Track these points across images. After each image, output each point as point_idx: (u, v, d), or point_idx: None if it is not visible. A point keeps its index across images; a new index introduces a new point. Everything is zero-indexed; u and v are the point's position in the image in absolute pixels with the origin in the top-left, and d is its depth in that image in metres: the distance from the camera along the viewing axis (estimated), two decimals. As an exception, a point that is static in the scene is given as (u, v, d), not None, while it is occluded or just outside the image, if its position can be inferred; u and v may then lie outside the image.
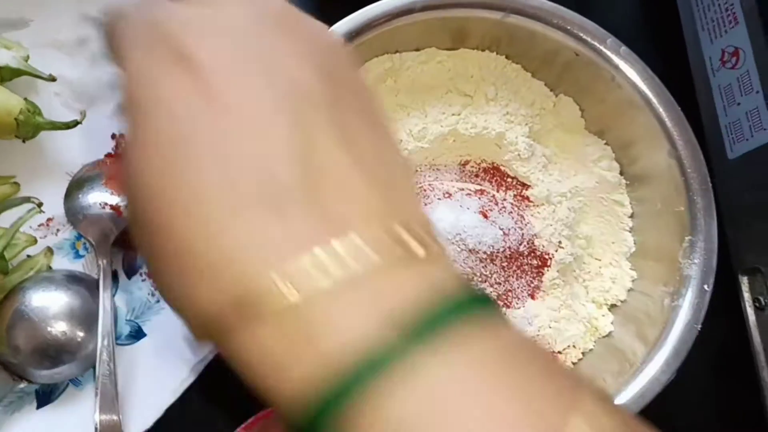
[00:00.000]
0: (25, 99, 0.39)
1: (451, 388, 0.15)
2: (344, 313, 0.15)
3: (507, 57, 0.41)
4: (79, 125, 0.40)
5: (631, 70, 0.37)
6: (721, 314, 0.36)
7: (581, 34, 0.38)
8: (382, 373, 0.15)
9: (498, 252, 0.37)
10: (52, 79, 0.40)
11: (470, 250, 0.36)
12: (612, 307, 0.39)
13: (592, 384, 0.17)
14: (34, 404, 0.38)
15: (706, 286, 0.35)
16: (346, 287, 0.15)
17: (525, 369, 0.16)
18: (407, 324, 0.15)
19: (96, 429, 0.36)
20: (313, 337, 0.15)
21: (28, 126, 0.39)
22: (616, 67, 0.37)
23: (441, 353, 0.15)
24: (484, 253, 0.37)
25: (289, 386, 0.15)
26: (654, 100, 0.37)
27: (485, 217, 0.37)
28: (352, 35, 0.37)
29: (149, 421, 0.37)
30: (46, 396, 0.38)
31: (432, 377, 0.15)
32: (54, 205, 0.41)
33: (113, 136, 0.43)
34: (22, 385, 0.37)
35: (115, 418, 0.36)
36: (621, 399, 0.33)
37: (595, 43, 0.38)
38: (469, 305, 0.16)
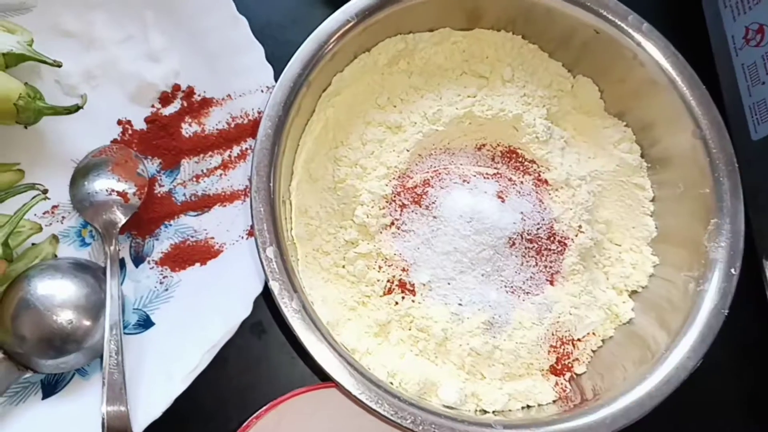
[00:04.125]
0: (26, 84, 0.38)
1: None
2: None
3: (523, 37, 0.40)
4: (82, 111, 0.39)
5: (653, 48, 0.36)
6: (745, 299, 0.35)
7: (601, 11, 0.37)
8: None
9: (516, 236, 0.36)
10: (58, 64, 0.39)
11: (488, 234, 0.35)
12: (633, 293, 0.38)
13: None
14: (40, 395, 0.37)
15: (733, 270, 0.34)
16: None
17: None
18: None
19: (103, 421, 0.35)
20: None
21: (29, 111, 0.37)
22: (639, 44, 0.36)
23: None
24: (502, 237, 0.35)
25: None
26: (678, 79, 0.36)
27: (502, 200, 0.36)
28: (365, 14, 0.36)
29: (157, 411, 0.35)
30: (51, 386, 0.37)
31: None
32: (59, 193, 0.40)
33: (119, 122, 0.42)
34: (27, 375, 0.36)
35: (122, 409, 0.35)
36: (646, 386, 0.32)
37: (616, 20, 0.37)
38: None
